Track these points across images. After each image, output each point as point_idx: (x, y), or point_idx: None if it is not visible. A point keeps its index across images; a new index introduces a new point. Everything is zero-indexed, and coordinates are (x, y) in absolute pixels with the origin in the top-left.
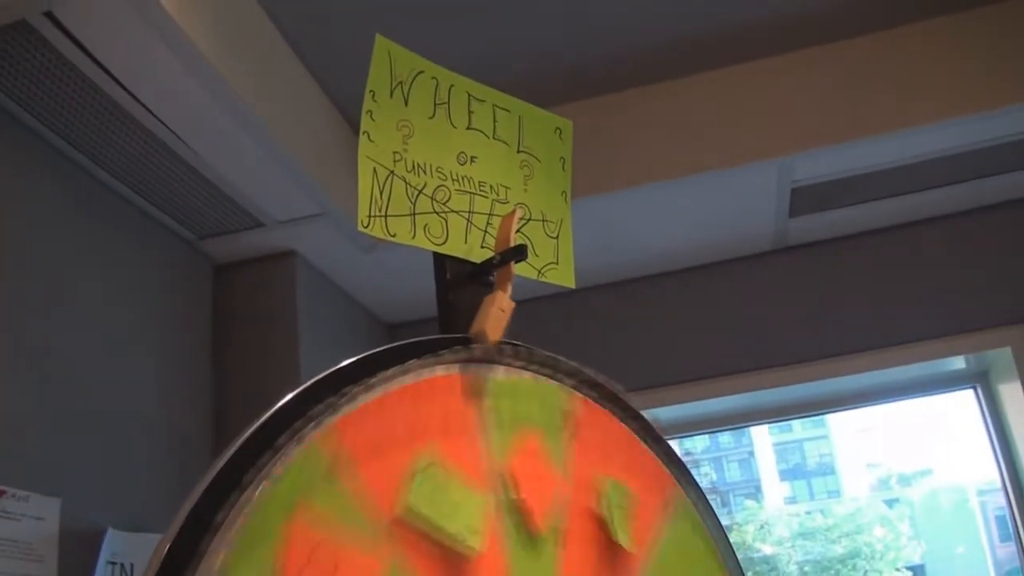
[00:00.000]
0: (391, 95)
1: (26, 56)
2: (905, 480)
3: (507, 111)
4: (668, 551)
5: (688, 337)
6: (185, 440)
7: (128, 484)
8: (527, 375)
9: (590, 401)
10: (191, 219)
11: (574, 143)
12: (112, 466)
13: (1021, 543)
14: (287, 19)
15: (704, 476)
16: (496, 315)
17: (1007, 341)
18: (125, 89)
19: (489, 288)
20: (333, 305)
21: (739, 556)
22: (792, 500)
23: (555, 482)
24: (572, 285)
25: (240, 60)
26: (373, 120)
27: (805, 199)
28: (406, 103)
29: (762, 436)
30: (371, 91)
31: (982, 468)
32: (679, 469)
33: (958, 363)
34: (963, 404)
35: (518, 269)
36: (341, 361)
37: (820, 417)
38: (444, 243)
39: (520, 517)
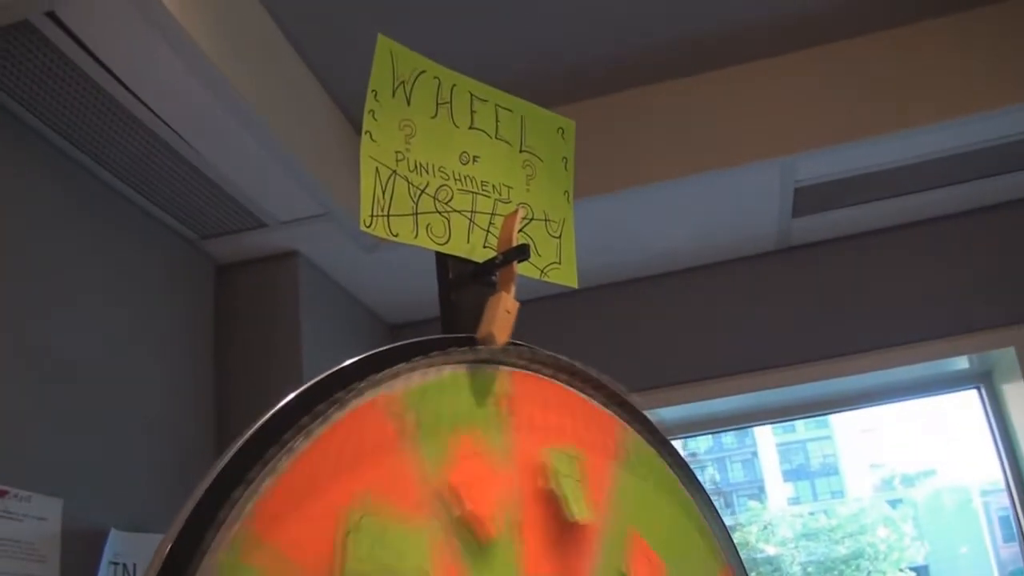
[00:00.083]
0: (393, 95)
1: (28, 56)
2: (909, 481)
3: (510, 111)
4: (625, 501)
5: (691, 337)
6: (187, 440)
7: (130, 484)
8: (446, 370)
9: (518, 372)
10: (193, 219)
11: (576, 143)
12: (114, 466)
13: None
14: (289, 19)
15: (708, 477)
16: (503, 317)
17: (1011, 341)
18: (127, 89)
19: (492, 288)
20: (335, 305)
21: (742, 556)
22: (796, 501)
23: (500, 477)
24: (575, 285)
25: (242, 60)
26: (375, 120)
27: (808, 199)
28: (408, 103)
29: (765, 437)
30: (373, 90)
31: (986, 468)
32: (623, 408)
33: (961, 363)
34: (966, 404)
35: (521, 269)
36: (343, 361)
37: (823, 417)
38: (446, 243)
39: (470, 530)
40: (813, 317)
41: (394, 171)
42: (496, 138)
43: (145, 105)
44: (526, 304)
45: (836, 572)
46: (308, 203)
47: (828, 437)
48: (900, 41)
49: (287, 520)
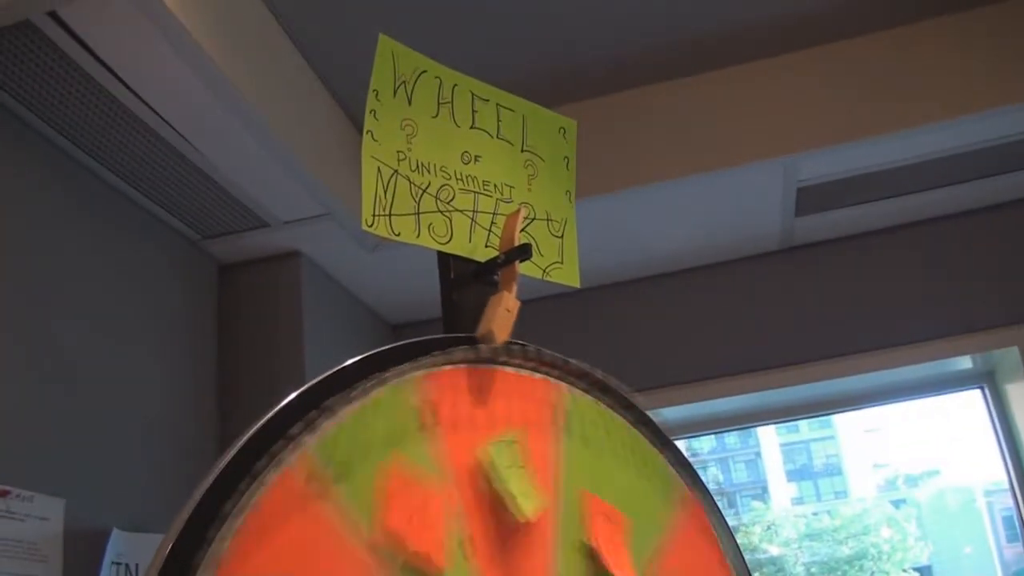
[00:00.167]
0: (395, 94)
1: (30, 56)
2: (912, 481)
3: (511, 110)
4: (573, 465)
5: (694, 337)
6: (190, 440)
7: (133, 484)
8: (356, 405)
9: (432, 373)
10: (195, 219)
11: (579, 143)
12: (116, 466)
13: None
14: (291, 18)
15: (711, 477)
16: (503, 315)
17: (1014, 341)
18: (129, 89)
19: (494, 287)
20: (337, 305)
21: (746, 557)
22: (799, 501)
23: (438, 496)
24: (577, 284)
25: (244, 59)
26: (377, 119)
27: (811, 199)
28: (410, 102)
29: (769, 437)
30: (375, 90)
31: (989, 469)
32: (554, 367)
33: (965, 363)
34: (970, 404)
35: (523, 268)
36: (345, 361)
37: (827, 418)
38: (448, 242)
39: (419, 568)
40: (816, 317)
41: (396, 171)
42: (498, 138)
43: (147, 105)
44: (527, 304)
45: (840, 572)
46: (310, 203)
47: (831, 437)
48: (902, 41)
49: None
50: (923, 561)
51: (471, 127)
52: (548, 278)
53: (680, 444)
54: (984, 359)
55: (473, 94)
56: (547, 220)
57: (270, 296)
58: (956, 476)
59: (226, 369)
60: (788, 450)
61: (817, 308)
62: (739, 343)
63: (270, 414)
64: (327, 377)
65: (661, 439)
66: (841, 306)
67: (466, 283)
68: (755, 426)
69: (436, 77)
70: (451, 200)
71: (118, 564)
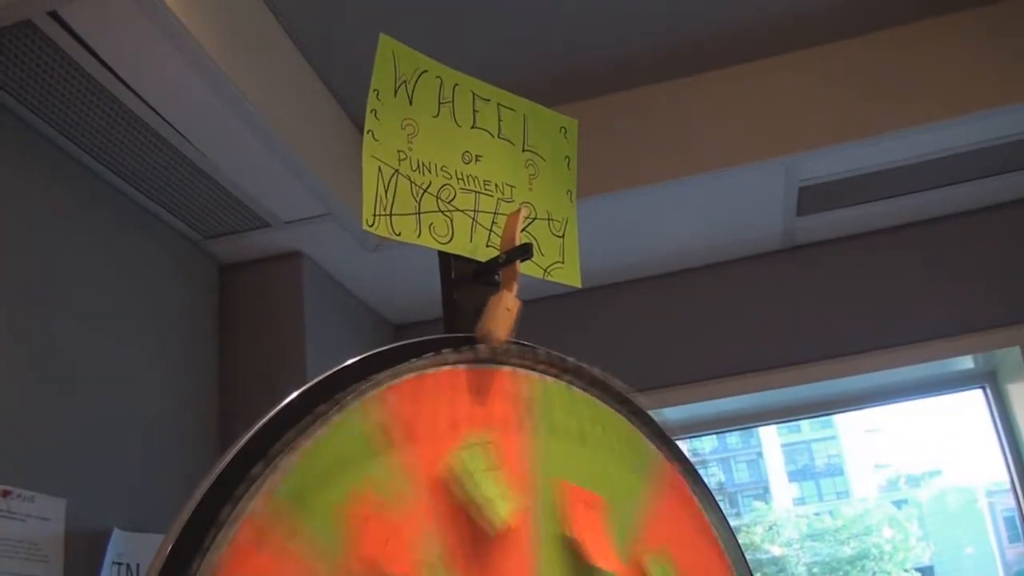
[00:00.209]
0: (395, 94)
1: (31, 56)
2: (914, 481)
3: (512, 110)
4: (547, 456)
5: (695, 337)
6: (190, 440)
7: (133, 484)
8: (319, 432)
9: (393, 386)
10: (196, 219)
11: (580, 142)
12: (117, 466)
13: None
14: (292, 18)
15: (712, 477)
16: (503, 314)
17: (1015, 340)
18: (130, 89)
19: (495, 287)
20: (338, 305)
21: (748, 558)
22: (801, 501)
23: (410, 514)
24: (578, 284)
25: (245, 59)
26: (377, 119)
27: (813, 198)
28: (410, 102)
29: (770, 437)
30: (375, 90)
31: (991, 469)
32: (524, 356)
33: (966, 363)
34: (972, 404)
35: (524, 268)
36: (346, 361)
37: (828, 418)
38: (449, 242)
39: None
40: (817, 316)
41: (396, 170)
42: (499, 137)
43: (148, 105)
44: (529, 304)
45: (841, 573)
46: (311, 203)
47: (833, 437)
48: (900, 41)
49: None
50: (925, 561)
51: (472, 127)
52: (549, 278)
53: (682, 445)
54: (985, 359)
55: (474, 94)
56: (548, 220)
57: (271, 296)
58: (958, 476)
59: (227, 369)
60: (790, 450)
61: (818, 308)
62: (740, 343)
63: (271, 414)
64: (327, 377)
65: (632, 410)
66: (842, 306)
67: (467, 283)
68: (757, 426)
69: (437, 77)
70: (452, 200)
71: (119, 564)
